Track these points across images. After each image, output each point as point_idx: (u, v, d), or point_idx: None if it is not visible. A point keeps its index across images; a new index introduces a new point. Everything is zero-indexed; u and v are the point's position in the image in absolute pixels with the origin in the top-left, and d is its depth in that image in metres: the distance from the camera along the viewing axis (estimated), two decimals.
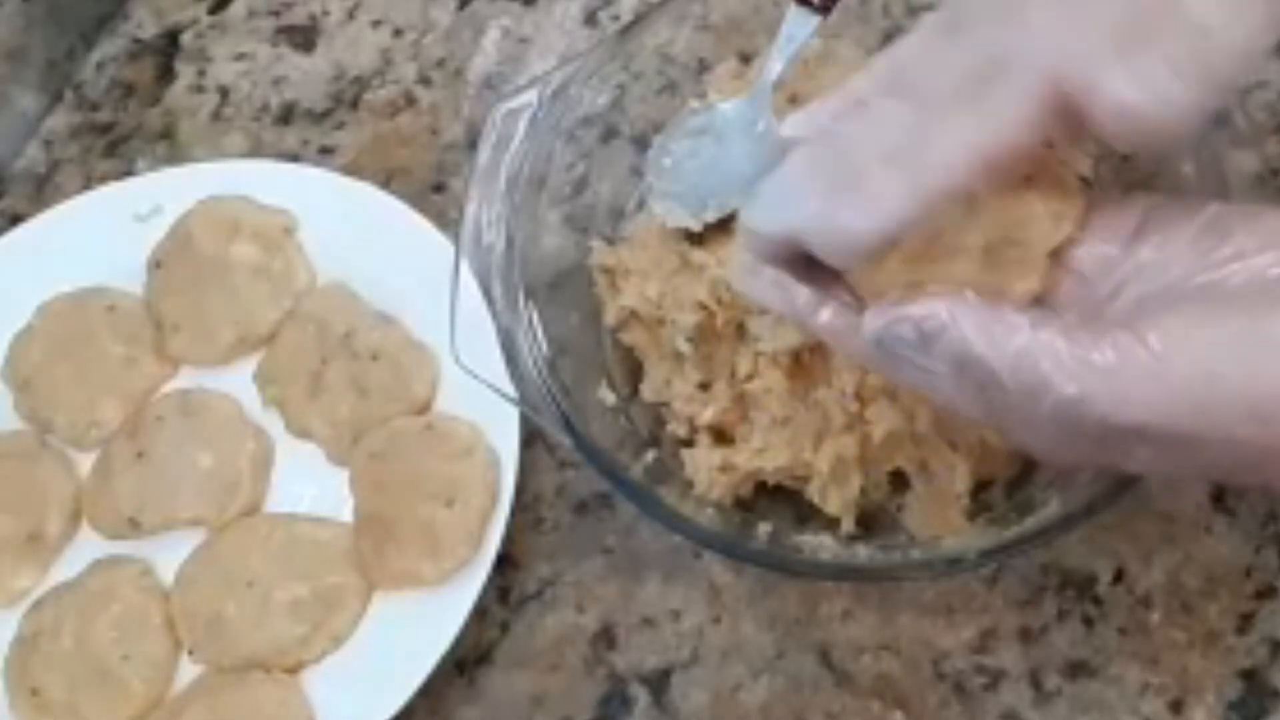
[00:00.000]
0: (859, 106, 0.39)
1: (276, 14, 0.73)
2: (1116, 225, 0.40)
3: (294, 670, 0.54)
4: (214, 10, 0.74)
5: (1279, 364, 0.35)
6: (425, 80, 0.69)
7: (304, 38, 0.72)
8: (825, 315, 0.40)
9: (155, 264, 0.62)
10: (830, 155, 0.37)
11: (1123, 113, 0.35)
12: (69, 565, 0.57)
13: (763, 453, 0.50)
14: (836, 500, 0.49)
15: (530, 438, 0.56)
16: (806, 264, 0.39)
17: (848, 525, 0.50)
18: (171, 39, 0.73)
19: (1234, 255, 0.37)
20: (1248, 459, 0.36)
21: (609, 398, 0.53)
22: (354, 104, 0.69)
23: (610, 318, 0.54)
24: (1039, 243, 0.40)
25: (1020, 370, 0.36)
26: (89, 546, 0.58)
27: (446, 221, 0.61)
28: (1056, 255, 0.40)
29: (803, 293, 0.40)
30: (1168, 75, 0.34)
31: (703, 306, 0.50)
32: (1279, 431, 0.35)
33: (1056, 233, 0.40)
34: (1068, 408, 0.35)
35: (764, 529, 0.49)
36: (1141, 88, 0.35)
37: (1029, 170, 0.40)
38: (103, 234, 0.63)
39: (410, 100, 0.68)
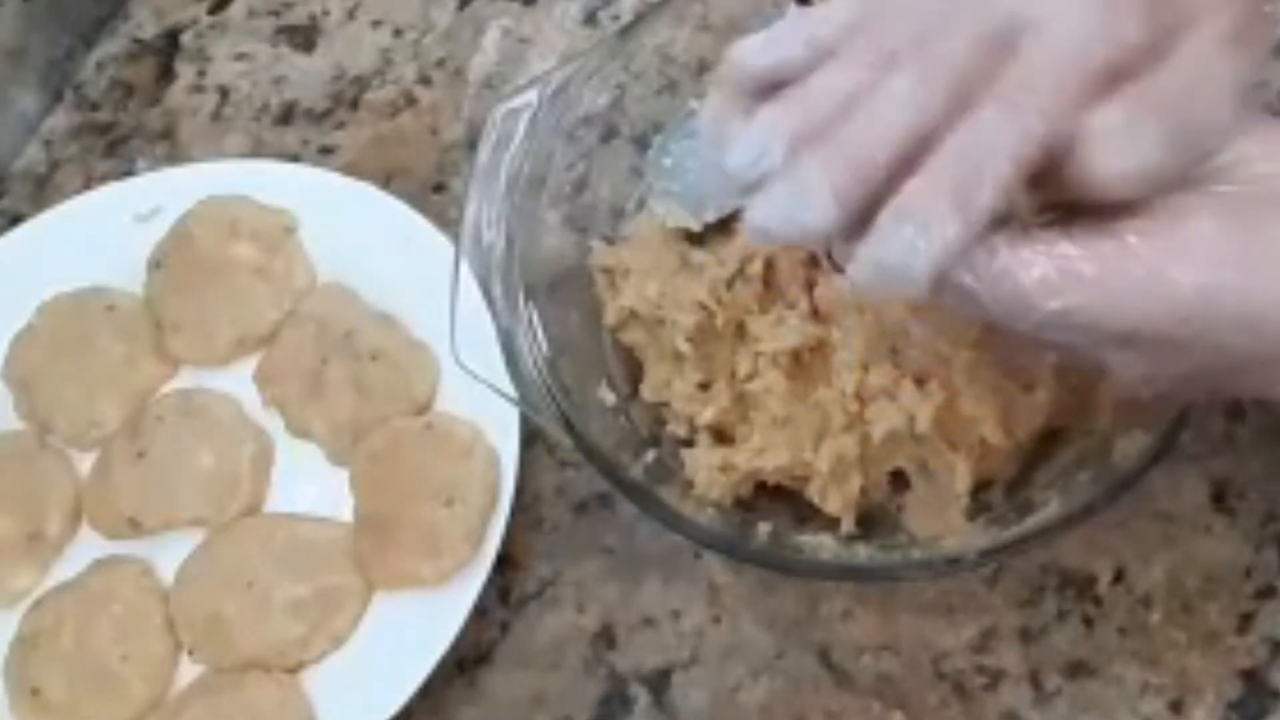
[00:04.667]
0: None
1: (276, 14, 0.73)
2: None
3: (294, 670, 0.54)
4: (214, 10, 0.74)
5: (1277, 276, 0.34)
6: (425, 80, 0.69)
7: (304, 38, 0.72)
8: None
9: (155, 264, 0.62)
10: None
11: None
12: (69, 565, 0.57)
13: (763, 453, 0.50)
14: (836, 500, 0.49)
15: (530, 438, 0.56)
16: None
17: (848, 525, 0.50)
18: (171, 39, 0.73)
19: (1235, 160, 0.36)
20: (1235, 365, 0.36)
21: (609, 398, 0.53)
22: (354, 104, 0.69)
23: (610, 318, 0.53)
24: None
25: (1000, 290, 0.35)
26: (89, 546, 0.58)
27: (446, 221, 0.61)
28: None
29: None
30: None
31: (703, 306, 0.50)
32: (1272, 342, 0.35)
33: None
34: (1053, 321, 0.35)
35: (764, 529, 0.49)
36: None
37: None
38: (103, 234, 0.63)
39: (410, 100, 0.68)
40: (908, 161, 0.35)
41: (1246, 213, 0.35)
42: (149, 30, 0.74)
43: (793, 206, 0.35)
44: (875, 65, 0.35)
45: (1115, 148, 0.34)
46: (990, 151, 0.34)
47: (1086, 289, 0.34)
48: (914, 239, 0.34)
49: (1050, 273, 0.34)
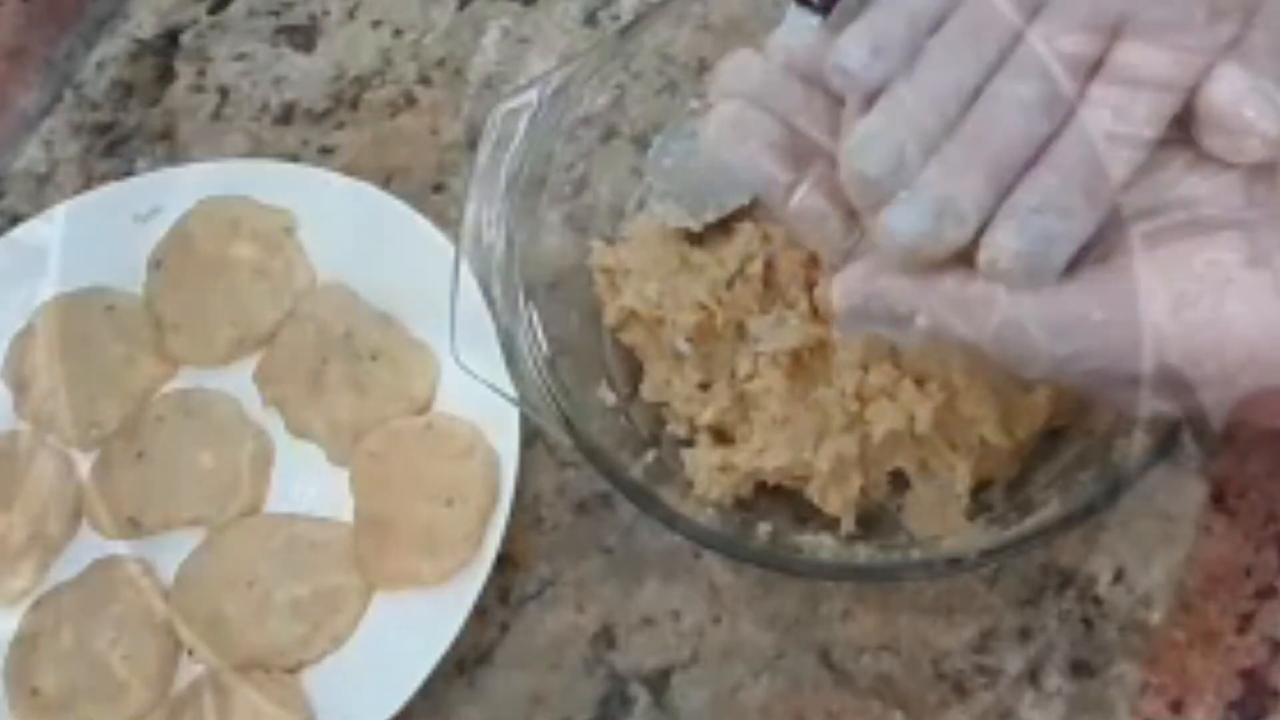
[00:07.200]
0: None
1: (276, 14, 0.73)
2: None
3: (294, 670, 0.54)
4: (214, 10, 0.74)
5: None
6: (425, 80, 0.69)
7: (304, 38, 0.72)
8: (799, 197, 0.38)
9: (155, 264, 0.62)
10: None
11: None
12: (69, 565, 0.57)
13: (763, 453, 0.50)
14: (836, 500, 0.49)
15: (530, 438, 0.56)
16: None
17: (848, 525, 0.50)
18: (171, 39, 0.73)
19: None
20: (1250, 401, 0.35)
21: (609, 398, 0.53)
22: (354, 104, 0.69)
23: (610, 318, 0.53)
24: None
25: (1005, 342, 0.34)
26: (89, 546, 0.58)
27: (446, 221, 0.60)
28: None
29: (785, 171, 0.38)
30: None
31: (702, 306, 0.50)
32: None
33: None
34: (1060, 365, 0.34)
35: (764, 529, 0.49)
36: None
37: None
38: (103, 234, 0.63)
39: (410, 100, 0.68)
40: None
41: (1274, 254, 0.34)
42: (149, 30, 0.74)
43: (939, 222, 0.34)
44: (980, 56, 0.35)
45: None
46: (1112, 141, 0.34)
47: (1094, 333, 0.34)
48: (1054, 227, 0.34)
49: (1054, 321, 0.34)
